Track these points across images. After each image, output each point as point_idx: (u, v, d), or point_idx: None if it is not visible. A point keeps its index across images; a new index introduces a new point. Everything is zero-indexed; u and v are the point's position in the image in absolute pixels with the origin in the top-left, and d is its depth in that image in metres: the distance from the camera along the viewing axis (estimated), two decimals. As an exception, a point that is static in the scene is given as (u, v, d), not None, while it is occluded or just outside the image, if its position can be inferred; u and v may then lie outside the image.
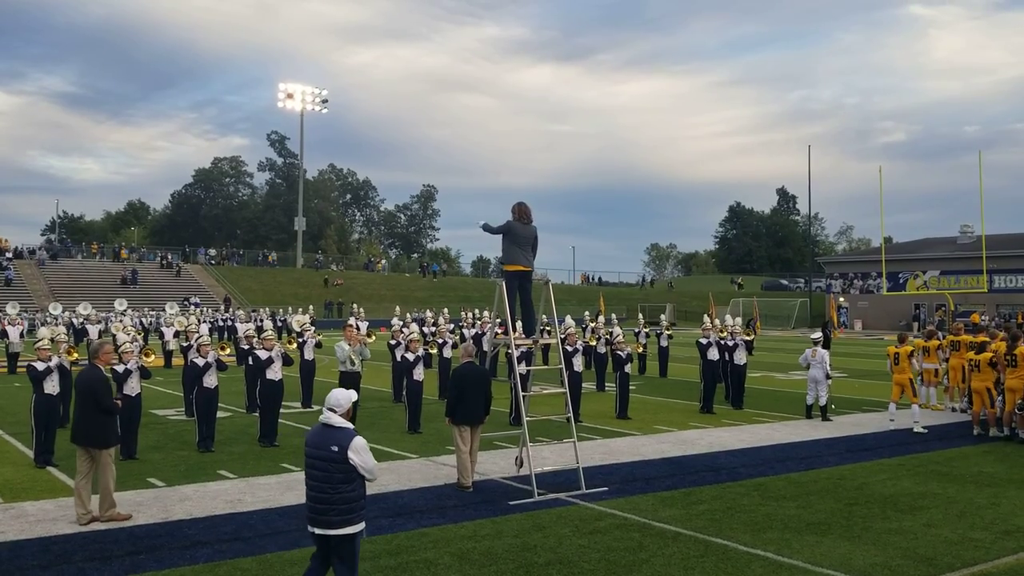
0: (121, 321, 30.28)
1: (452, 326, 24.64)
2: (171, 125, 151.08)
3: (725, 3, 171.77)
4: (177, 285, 60.35)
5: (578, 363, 16.11)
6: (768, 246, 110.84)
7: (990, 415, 14.36)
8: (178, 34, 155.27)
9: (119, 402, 9.34)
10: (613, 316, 31.93)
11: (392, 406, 17.18)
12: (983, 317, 36.42)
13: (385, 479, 10.21)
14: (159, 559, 7.49)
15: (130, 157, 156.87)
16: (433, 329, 25.05)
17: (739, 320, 20.70)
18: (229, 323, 39.08)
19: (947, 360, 17.57)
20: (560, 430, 13.62)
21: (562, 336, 14.43)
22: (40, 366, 11.75)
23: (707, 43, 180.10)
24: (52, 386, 11.80)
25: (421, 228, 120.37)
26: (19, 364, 23.13)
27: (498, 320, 12.14)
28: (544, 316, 15.77)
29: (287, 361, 13.86)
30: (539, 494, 9.78)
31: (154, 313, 40.89)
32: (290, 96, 73.37)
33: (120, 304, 41.31)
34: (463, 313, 32.23)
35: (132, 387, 11.78)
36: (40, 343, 12.44)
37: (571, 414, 10.87)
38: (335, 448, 5.70)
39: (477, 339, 21.45)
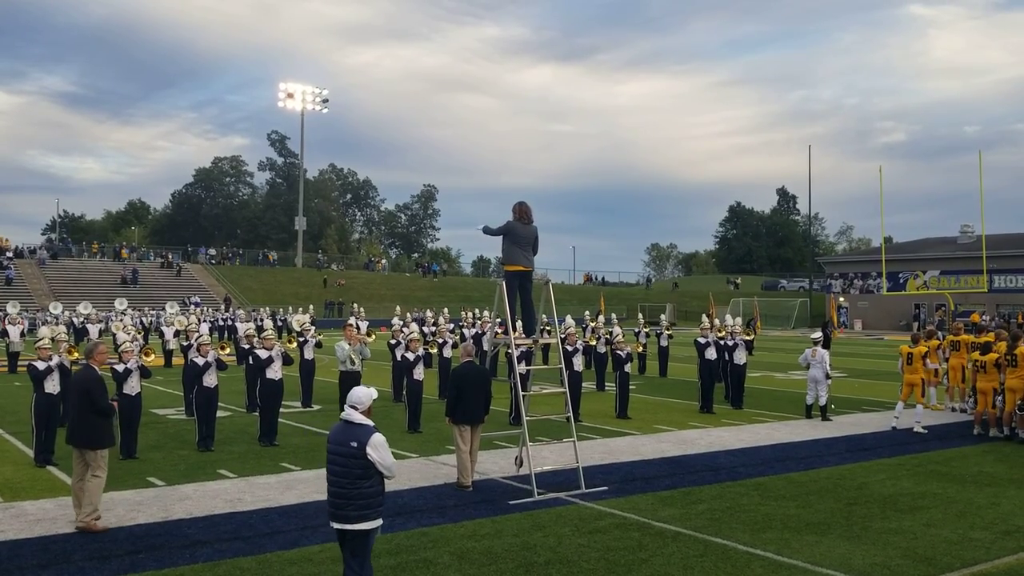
0: (121, 320, 30.32)
1: (452, 326, 24.67)
2: (171, 125, 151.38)
3: (725, 3, 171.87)
4: (177, 285, 60.37)
5: (578, 363, 16.12)
6: (768, 246, 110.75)
7: (991, 415, 14.37)
8: (179, 34, 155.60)
9: (115, 403, 9.32)
10: (613, 316, 31.97)
11: (392, 405, 17.18)
12: (983, 317, 36.41)
13: (385, 478, 10.21)
14: (159, 558, 7.49)
15: (131, 157, 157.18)
16: (433, 329, 25.06)
17: (739, 320, 20.73)
18: (229, 322, 39.14)
19: (947, 360, 17.62)
20: (560, 430, 13.62)
21: (562, 336, 14.44)
22: (41, 365, 11.77)
23: (707, 43, 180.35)
24: (52, 385, 11.81)
25: (421, 228, 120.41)
26: (19, 363, 23.13)
27: (498, 320, 12.15)
28: (544, 316, 15.77)
29: (287, 360, 13.89)
30: (539, 493, 9.79)
31: (154, 312, 40.92)
32: (290, 96, 73.36)
33: (120, 303, 41.41)
34: (463, 313, 32.23)
35: (132, 386, 11.81)
36: (41, 342, 12.43)
37: (571, 414, 10.87)
38: (354, 444, 5.82)
39: (477, 339, 21.43)
